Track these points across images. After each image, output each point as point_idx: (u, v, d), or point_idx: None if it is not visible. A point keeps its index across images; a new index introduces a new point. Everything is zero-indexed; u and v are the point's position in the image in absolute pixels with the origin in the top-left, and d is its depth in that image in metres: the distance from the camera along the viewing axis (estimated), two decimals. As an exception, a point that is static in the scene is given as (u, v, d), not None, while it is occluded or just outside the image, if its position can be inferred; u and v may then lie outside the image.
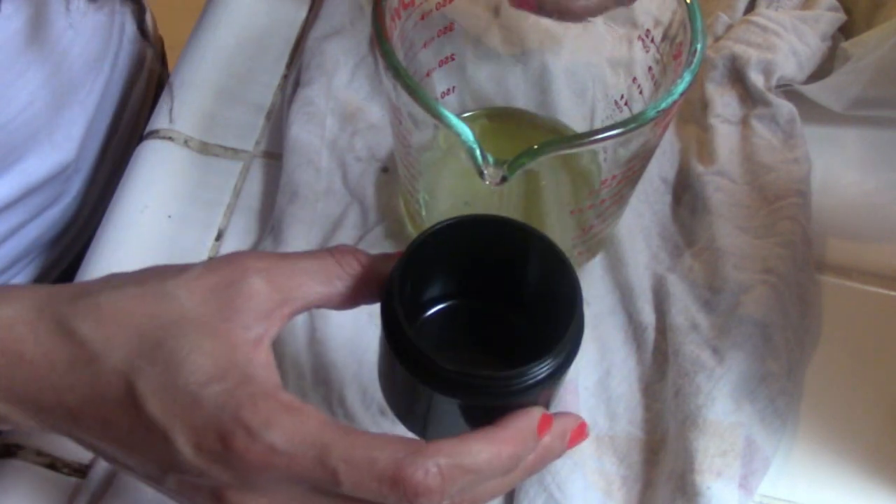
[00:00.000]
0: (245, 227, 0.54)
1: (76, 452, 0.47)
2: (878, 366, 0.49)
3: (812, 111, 0.55)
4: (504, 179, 0.37)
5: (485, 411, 0.33)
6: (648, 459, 0.46)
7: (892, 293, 0.51)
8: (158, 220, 0.54)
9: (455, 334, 0.36)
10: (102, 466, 0.46)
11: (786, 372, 0.46)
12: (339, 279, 0.36)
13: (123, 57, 0.62)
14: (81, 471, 0.46)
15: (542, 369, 0.33)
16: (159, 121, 0.57)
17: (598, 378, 0.48)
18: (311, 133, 0.55)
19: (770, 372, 0.46)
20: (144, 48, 0.66)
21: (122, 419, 0.33)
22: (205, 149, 0.57)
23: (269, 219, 0.53)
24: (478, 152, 0.37)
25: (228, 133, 0.57)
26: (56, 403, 0.34)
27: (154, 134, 0.57)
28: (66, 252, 0.64)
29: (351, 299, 0.36)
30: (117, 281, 0.35)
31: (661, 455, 0.45)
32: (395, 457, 0.31)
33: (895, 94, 0.54)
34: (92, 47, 0.55)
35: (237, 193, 0.55)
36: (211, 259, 0.35)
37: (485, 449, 0.32)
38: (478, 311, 0.36)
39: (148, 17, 0.51)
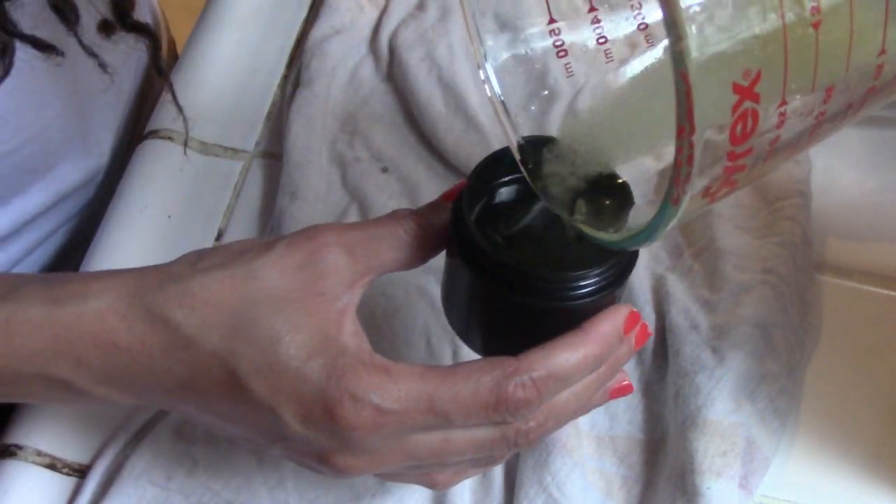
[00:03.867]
0: (245, 227, 0.54)
1: (76, 452, 0.47)
2: (878, 366, 0.49)
3: (812, 111, 0.55)
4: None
5: (564, 315, 0.35)
6: (648, 460, 0.46)
7: (892, 293, 0.51)
8: (158, 220, 0.54)
9: (527, 242, 0.37)
10: (102, 466, 0.46)
11: (786, 372, 0.46)
12: (405, 241, 0.37)
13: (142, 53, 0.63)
14: (81, 471, 0.46)
15: (610, 271, 0.34)
16: (159, 121, 0.57)
17: (598, 378, 0.48)
18: (311, 133, 0.55)
19: (770, 372, 0.46)
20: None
21: (224, 398, 0.35)
22: (205, 149, 0.57)
23: (269, 219, 0.53)
24: None
25: (228, 133, 0.57)
26: (155, 385, 0.36)
27: (154, 134, 0.57)
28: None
29: (420, 256, 0.38)
30: (203, 264, 0.36)
31: (661, 455, 0.45)
32: (495, 380, 0.34)
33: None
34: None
35: (237, 193, 0.55)
36: (291, 235, 0.37)
37: (572, 354, 0.34)
38: (547, 219, 0.37)
39: (163, 52, 0.52)
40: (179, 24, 0.73)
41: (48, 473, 0.46)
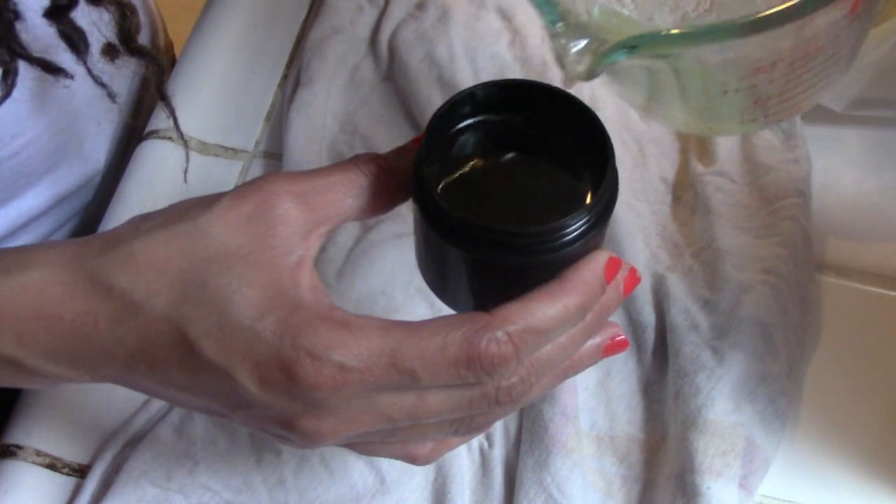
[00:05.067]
0: (245, 227, 0.54)
1: (76, 452, 0.47)
2: (878, 366, 0.49)
3: (812, 111, 0.55)
4: (591, 75, 0.33)
5: (541, 269, 0.32)
6: (648, 460, 0.46)
7: (892, 293, 0.51)
8: (158, 220, 0.54)
9: (492, 196, 0.34)
10: (102, 466, 0.46)
11: (786, 372, 0.46)
12: (365, 188, 0.35)
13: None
14: (81, 471, 0.46)
15: (586, 218, 0.32)
16: (159, 121, 0.57)
17: (598, 378, 0.48)
18: (311, 133, 0.55)
19: (770, 372, 0.46)
20: (157, 42, 0.67)
21: (179, 364, 0.33)
22: (205, 149, 0.57)
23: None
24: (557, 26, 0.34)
25: (228, 133, 0.57)
26: (107, 357, 0.34)
27: (154, 134, 0.57)
28: None
29: (382, 205, 0.35)
30: (146, 225, 0.34)
31: (661, 455, 0.45)
32: (465, 336, 0.31)
33: (895, 94, 0.54)
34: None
35: (237, 193, 0.55)
36: (237, 188, 0.34)
37: (550, 306, 0.32)
38: (512, 169, 0.35)
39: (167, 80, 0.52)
40: (179, 24, 0.73)
41: (48, 473, 0.46)
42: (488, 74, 0.57)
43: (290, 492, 0.44)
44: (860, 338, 0.49)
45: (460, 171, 0.34)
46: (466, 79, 0.56)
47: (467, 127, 0.35)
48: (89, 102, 0.54)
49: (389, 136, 0.55)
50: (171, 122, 0.52)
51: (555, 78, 0.56)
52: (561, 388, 0.45)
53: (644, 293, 0.49)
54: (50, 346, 0.34)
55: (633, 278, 0.36)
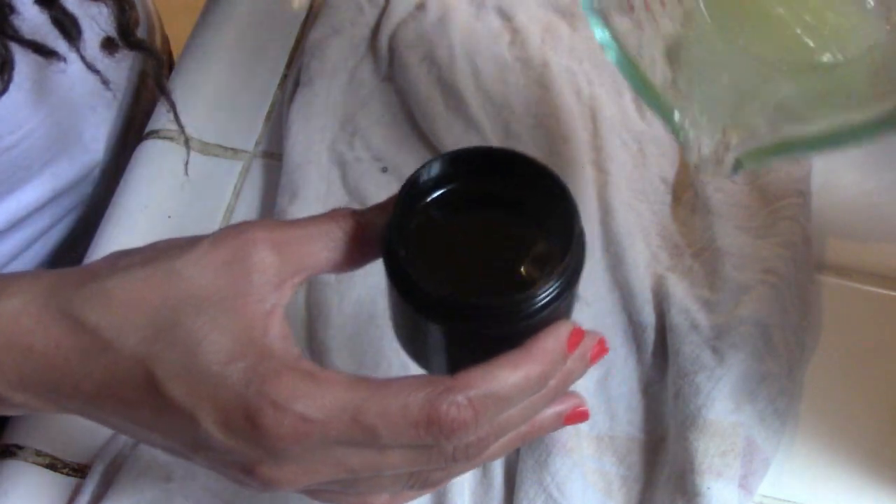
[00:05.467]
0: (245, 227, 0.54)
1: (76, 452, 0.47)
2: (878, 366, 0.49)
3: (812, 111, 0.55)
4: (737, 167, 0.34)
5: (505, 337, 0.33)
6: (648, 460, 0.46)
7: (892, 293, 0.51)
8: (158, 220, 0.54)
9: (462, 262, 0.35)
10: (102, 466, 0.46)
11: (786, 372, 0.46)
12: (341, 242, 0.35)
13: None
14: (81, 471, 0.46)
15: (553, 287, 0.32)
16: (160, 121, 0.57)
17: (597, 378, 0.48)
18: (311, 133, 0.55)
19: (770, 372, 0.46)
20: (153, 38, 0.67)
21: (145, 403, 0.33)
22: (205, 149, 0.57)
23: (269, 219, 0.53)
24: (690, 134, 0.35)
25: (228, 133, 0.57)
26: (74, 390, 0.34)
27: (154, 134, 0.57)
28: (83, 256, 0.64)
29: (355, 259, 0.36)
30: (123, 262, 0.34)
31: (661, 455, 0.45)
32: (427, 398, 0.31)
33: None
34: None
35: (237, 193, 0.55)
36: (217, 232, 0.35)
37: (512, 374, 0.32)
38: (482, 235, 0.36)
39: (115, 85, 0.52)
40: (179, 24, 0.73)
41: (48, 473, 0.46)
42: (488, 74, 0.57)
43: (290, 492, 0.44)
44: (860, 338, 0.49)
45: (430, 236, 0.35)
46: (466, 79, 0.56)
47: (439, 192, 0.35)
48: (88, 94, 0.54)
49: (389, 137, 0.55)
50: (171, 122, 0.52)
51: (554, 79, 0.56)
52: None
53: (644, 293, 0.49)
54: (18, 374, 0.34)
55: (602, 348, 0.36)
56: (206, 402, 0.32)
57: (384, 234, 0.34)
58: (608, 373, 0.48)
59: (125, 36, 0.47)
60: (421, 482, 0.35)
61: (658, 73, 0.35)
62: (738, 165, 0.35)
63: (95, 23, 0.46)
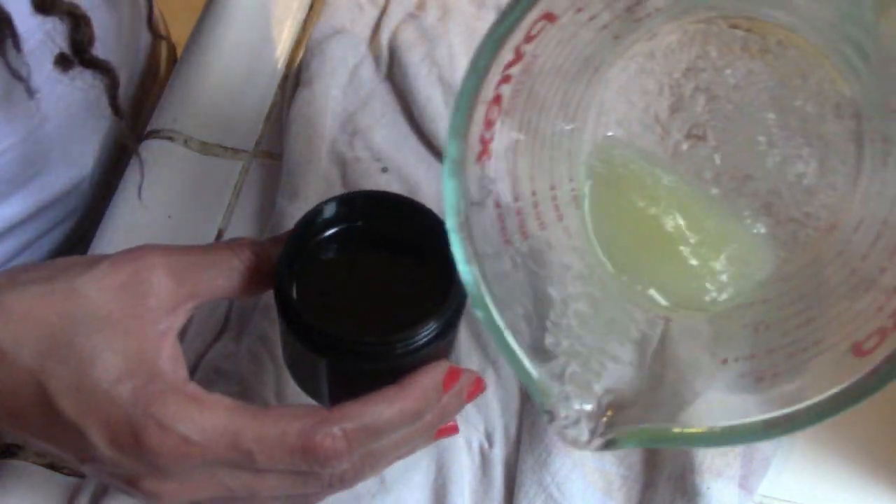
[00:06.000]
0: (245, 227, 0.54)
1: (76, 452, 0.47)
2: (878, 366, 0.49)
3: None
4: (609, 445, 0.33)
5: (383, 373, 0.35)
6: (648, 459, 0.46)
7: (892, 293, 0.51)
8: (158, 220, 0.54)
9: (348, 299, 0.37)
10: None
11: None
12: (237, 271, 0.37)
13: (140, 61, 0.62)
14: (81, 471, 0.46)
15: (431, 328, 0.34)
16: (159, 121, 0.57)
17: (597, 378, 0.48)
18: (311, 133, 0.55)
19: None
20: (158, 54, 0.66)
21: (36, 415, 0.34)
22: (205, 149, 0.57)
23: (269, 219, 0.53)
24: (558, 405, 0.33)
25: (228, 133, 0.57)
26: None
27: (154, 134, 0.57)
28: None
29: (250, 288, 0.37)
30: (23, 277, 0.35)
31: (662, 455, 0.45)
32: (303, 428, 0.33)
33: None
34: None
35: (237, 193, 0.55)
36: (117, 254, 0.36)
37: (387, 409, 0.34)
38: (370, 275, 0.37)
39: (121, 92, 0.51)
40: (179, 24, 0.73)
41: (48, 473, 0.46)
42: (488, 74, 0.57)
43: None
44: (860, 338, 0.49)
45: (320, 272, 0.36)
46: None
47: (332, 231, 0.37)
48: (77, 111, 0.54)
49: (389, 137, 0.55)
50: (171, 122, 0.52)
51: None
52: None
53: (644, 293, 0.49)
54: None
55: (478, 387, 0.38)
56: (95, 418, 0.33)
57: (277, 267, 0.36)
58: (608, 373, 0.48)
59: (79, 53, 0.47)
60: (301, 500, 0.37)
61: (526, 326, 0.34)
62: (611, 443, 0.33)
63: (50, 38, 0.46)
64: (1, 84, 0.47)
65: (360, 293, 0.37)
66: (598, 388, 0.34)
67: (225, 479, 0.35)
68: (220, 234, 0.54)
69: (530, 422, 0.46)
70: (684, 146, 0.38)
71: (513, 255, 0.35)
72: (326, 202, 0.36)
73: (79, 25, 0.47)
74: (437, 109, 0.55)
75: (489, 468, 0.46)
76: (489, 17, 0.60)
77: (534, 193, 0.37)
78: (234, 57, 0.60)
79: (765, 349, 0.34)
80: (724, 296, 0.37)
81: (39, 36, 0.46)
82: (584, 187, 0.38)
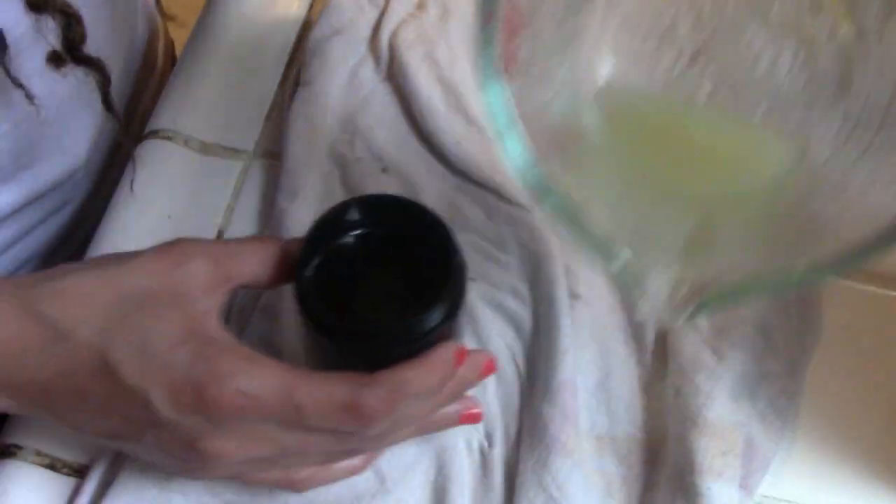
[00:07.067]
0: (245, 227, 0.54)
1: (76, 452, 0.47)
2: (878, 366, 0.49)
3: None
4: (697, 312, 0.35)
5: (395, 357, 0.38)
6: (649, 460, 0.46)
7: (892, 293, 0.51)
8: (158, 220, 0.54)
9: (361, 289, 0.41)
10: (102, 466, 0.46)
11: (786, 372, 0.46)
12: (266, 261, 0.40)
13: (136, 55, 0.62)
14: (81, 471, 0.46)
15: (436, 314, 0.38)
16: (159, 121, 0.57)
17: (598, 379, 0.48)
18: (311, 133, 0.55)
19: (770, 372, 0.46)
20: (156, 47, 0.66)
21: (98, 388, 0.37)
22: (205, 149, 0.57)
23: (269, 219, 0.53)
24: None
25: (228, 133, 0.57)
26: (29, 381, 0.37)
27: (154, 134, 0.57)
28: (71, 259, 0.64)
29: (276, 277, 0.41)
30: (74, 266, 0.39)
31: (662, 455, 0.45)
32: (349, 389, 0.36)
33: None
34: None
35: (237, 193, 0.55)
36: (158, 245, 0.40)
37: (416, 375, 0.38)
38: (381, 270, 0.41)
39: (115, 86, 0.52)
40: (180, 24, 0.73)
41: (48, 473, 0.46)
42: (488, 74, 0.57)
43: (289, 492, 0.45)
44: (860, 338, 0.49)
45: (334, 268, 0.40)
46: (467, 78, 0.56)
47: (344, 231, 0.41)
48: (67, 102, 0.54)
49: (389, 137, 0.55)
50: (171, 122, 0.52)
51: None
52: (561, 388, 0.45)
53: (644, 293, 0.49)
54: None
55: (491, 368, 0.42)
56: (157, 380, 0.36)
57: (296, 262, 0.39)
58: (608, 373, 0.48)
59: (71, 50, 0.48)
60: (338, 457, 0.41)
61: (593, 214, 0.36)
62: (697, 311, 0.36)
63: (43, 36, 0.47)
64: None
65: (372, 284, 0.40)
66: (668, 271, 0.36)
67: (276, 436, 0.37)
68: (220, 234, 0.54)
69: (530, 422, 0.46)
70: (675, 72, 0.40)
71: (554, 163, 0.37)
72: (341, 204, 0.40)
73: (70, 24, 0.47)
74: (438, 110, 0.55)
75: (489, 468, 0.46)
76: (489, 17, 0.59)
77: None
78: (234, 57, 0.60)
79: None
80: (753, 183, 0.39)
81: (31, 34, 0.46)
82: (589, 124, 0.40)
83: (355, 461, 0.42)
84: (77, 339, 0.37)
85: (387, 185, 0.53)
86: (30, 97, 0.48)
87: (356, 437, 0.38)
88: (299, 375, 0.37)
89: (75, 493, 0.45)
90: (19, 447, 0.46)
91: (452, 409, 0.43)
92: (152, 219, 0.54)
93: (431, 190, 0.53)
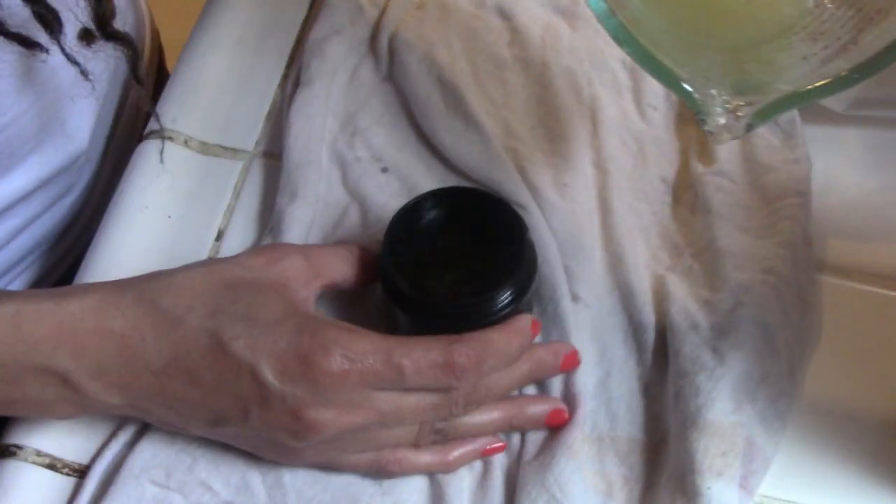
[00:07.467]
0: (245, 227, 0.54)
1: (76, 452, 0.47)
2: (878, 366, 0.49)
3: (812, 111, 0.55)
4: (749, 128, 0.39)
5: (474, 329, 0.43)
6: (649, 460, 0.46)
7: (892, 293, 0.51)
8: (158, 220, 0.54)
9: (441, 274, 0.44)
10: (102, 466, 0.46)
11: (786, 372, 0.46)
12: (351, 261, 0.46)
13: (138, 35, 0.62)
14: (81, 471, 0.46)
15: (508, 293, 0.43)
16: (159, 120, 0.57)
17: (598, 379, 0.48)
18: (310, 133, 0.55)
19: (770, 372, 0.46)
20: (142, 35, 0.66)
21: (210, 366, 0.40)
22: (205, 149, 0.57)
23: (269, 219, 0.53)
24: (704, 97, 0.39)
25: (228, 133, 0.57)
26: (143, 370, 0.41)
27: (154, 134, 0.57)
28: (72, 247, 0.64)
29: (362, 278, 0.46)
30: (177, 269, 0.43)
31: (662, 456, 0.45)
32: (443, 346, 0.40)
33: (895, 94, 0.54)
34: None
35: (237, 193, 0.55)
36: (257, 246, 0.46)
37: (500, 337, 0.42)
38: (459, 255, 0.45)
39: (143, 63, 0.53)
40: (179, 24, 0.73)
41: (48, 473, 0.46)
42: (488, 74, 0.57)
43: (287, 492, 0.45)
44: (860, 338, 0.49)
45: (415, 255, 0.44)
46: (466, 79, 0.56)
47: (423, 222, 0.46)
48: (69, 84, 0.54)
49: (389, 137, 0.55)
50: (171, 122, 0.52)
51: (554, 78, 0.56)
52: (567, 396, 0.47)
53: (644, 293, 0.49)
54: (97, 359, 0.41)
55: (574, 359, 0.46)
56: (266, 353, 0.40)
57: (380, 255, 0.45)
58: (608, 373, 0.48)
59: (102, 26, 0.49)
60: (423, 437, 0.43)
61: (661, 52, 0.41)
62: (749, 127, 0.39)
63: (73, 14, 0.47)
64: (18, 58, 0.48)
65: (450, 269, 0.44)
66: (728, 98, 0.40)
67: (377, 402, 0.41)
68: (220, 235, 0.54)
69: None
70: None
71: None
72: (418, 198, 0.45)
73: (101, 0, 0.48)
74: (437, 110, 0.55)
75: (489, 469, 0.46)
76: (489, 17, 0.60)
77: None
78: (234, 57, 0.60)
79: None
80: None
81: (63, 11, 0.46)
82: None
83: (439, 456, 0.44)
84: (190, 323, 0.40)
85: (387, 185, 0.53)
86: (84, 73, 0.49)
87: (449, 402, 0.42)
88: (396, 339, 0.40)
89: (75, 493, 0.45)
90: (19, 447, 0.47)
91: (539, 408, 0.45)
92: (152, 219, 0.54)
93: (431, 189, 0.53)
